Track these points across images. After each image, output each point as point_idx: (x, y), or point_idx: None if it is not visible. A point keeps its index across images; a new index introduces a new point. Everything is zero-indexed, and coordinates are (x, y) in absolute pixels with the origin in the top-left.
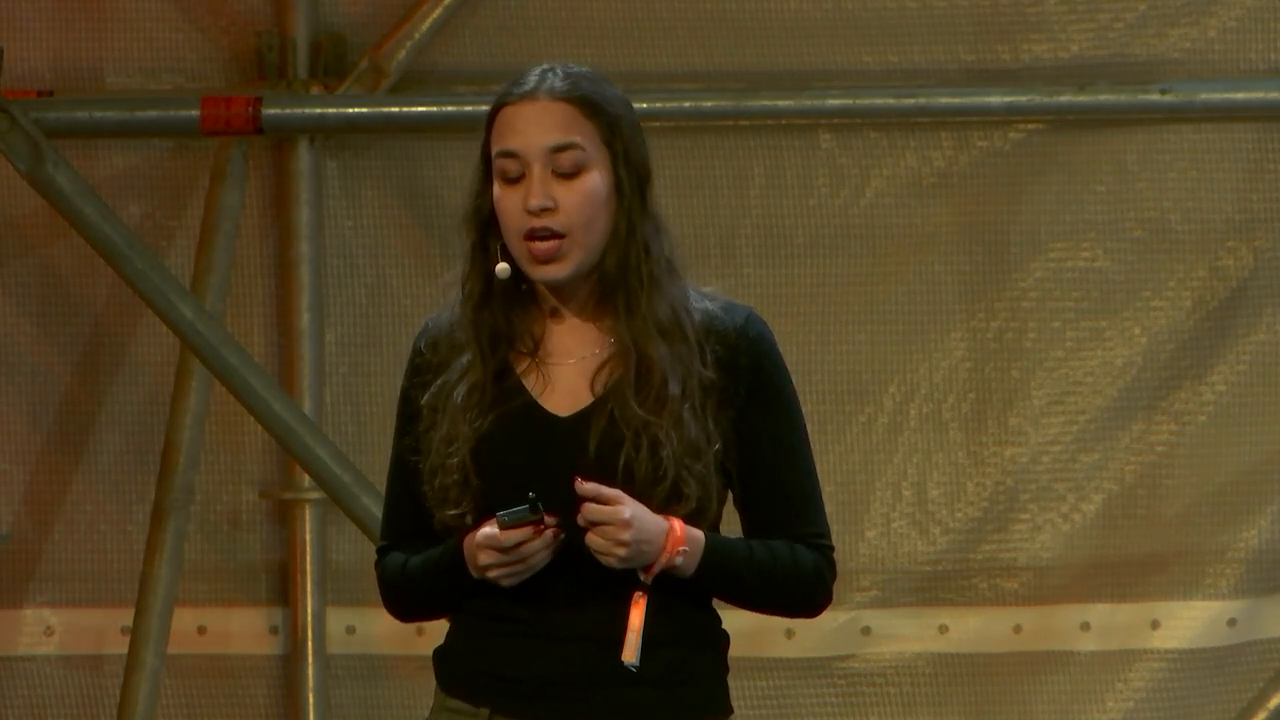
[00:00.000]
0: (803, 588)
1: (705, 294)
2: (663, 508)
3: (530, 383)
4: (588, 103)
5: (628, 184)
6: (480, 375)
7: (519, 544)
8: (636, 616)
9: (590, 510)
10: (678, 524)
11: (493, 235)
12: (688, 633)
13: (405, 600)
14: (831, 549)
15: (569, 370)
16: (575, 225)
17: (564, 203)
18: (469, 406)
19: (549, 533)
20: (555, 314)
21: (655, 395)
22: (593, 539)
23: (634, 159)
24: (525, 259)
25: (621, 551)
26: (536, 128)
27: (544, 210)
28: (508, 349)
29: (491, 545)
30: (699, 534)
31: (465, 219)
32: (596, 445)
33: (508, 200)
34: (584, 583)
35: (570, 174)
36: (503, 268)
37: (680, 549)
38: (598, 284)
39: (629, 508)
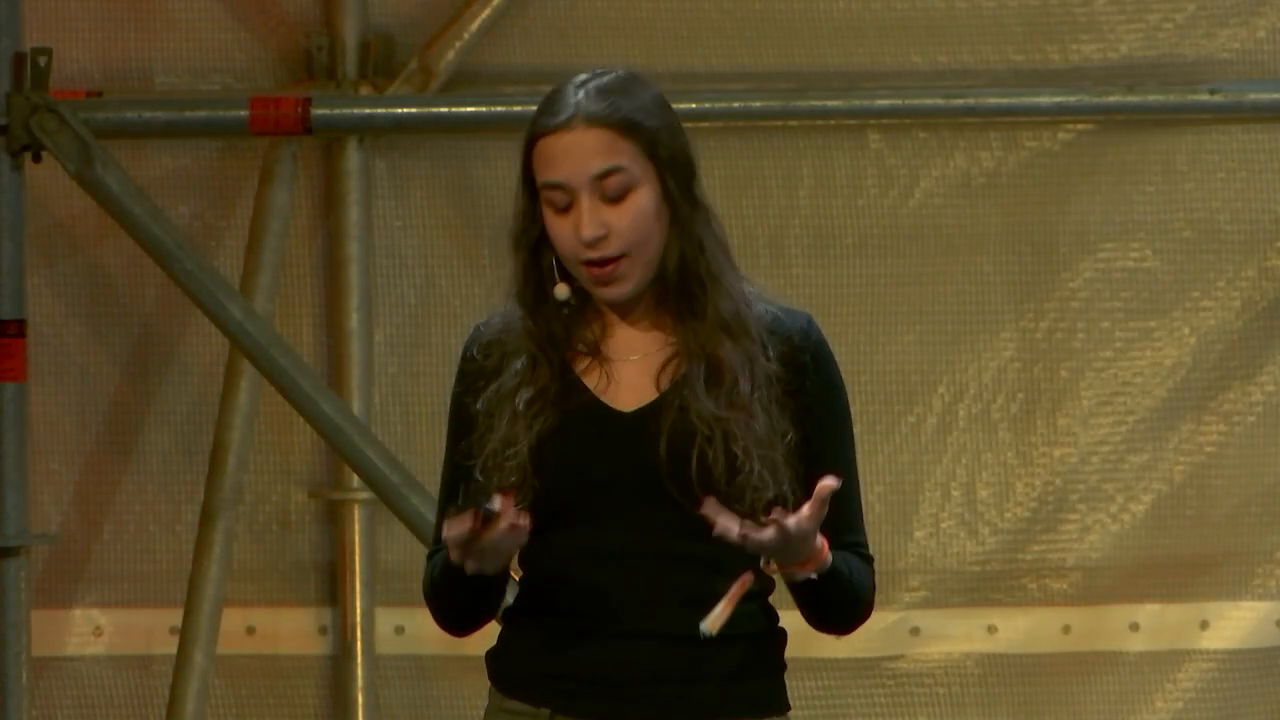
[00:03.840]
0: (863, 606)
1: (761, 295)
2: (738, 500)
3: (591, 380)
4: (624, 123)
5: (675, 188)
6: (539, 379)
7: (470, 538)
8: (737, 593)
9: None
10: (825, 544)
11: (544, 252)
12: (748, 630)
13: (437, 607)
14: (873, 559)
15: (631, 367)
16: (632, 245)
17: (616, 226)
18: (529, 408)
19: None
20: (614, 315)
21: (727, 394)
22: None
23: (677, 160)
24: (587, 282)
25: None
26: (577, 158)
27: (598, 240)
28: (565, 349)
29: (452, 541)
30: (829, 553)
31: (514, 240)
32: (667, 440)
33: (561, 229)
34: (648, 582)
35: (618, 197)
36: (562, 288)
37: (821, 563)
38: (658, 287)
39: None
